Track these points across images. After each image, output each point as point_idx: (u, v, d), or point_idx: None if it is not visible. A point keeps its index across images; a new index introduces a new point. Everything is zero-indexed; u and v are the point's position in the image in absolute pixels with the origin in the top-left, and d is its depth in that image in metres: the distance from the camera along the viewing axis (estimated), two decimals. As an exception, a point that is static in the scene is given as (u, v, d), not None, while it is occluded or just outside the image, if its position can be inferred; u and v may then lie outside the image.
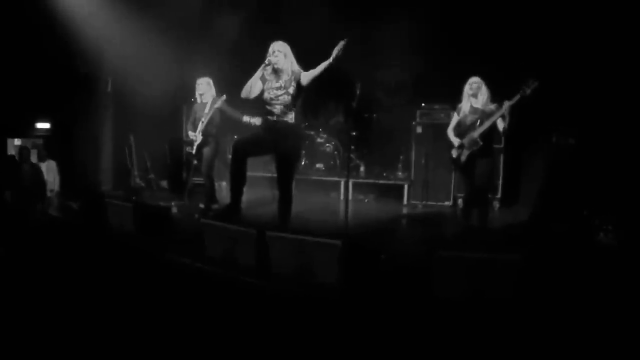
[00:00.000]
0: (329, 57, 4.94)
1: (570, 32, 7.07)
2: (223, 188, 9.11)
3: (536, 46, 7.35)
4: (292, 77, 5.32)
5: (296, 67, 5.37)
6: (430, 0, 8.27)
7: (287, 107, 5.36)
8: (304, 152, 9.25)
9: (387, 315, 3.82)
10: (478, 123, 5.57)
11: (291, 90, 5.32)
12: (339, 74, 5.54)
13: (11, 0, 7.74)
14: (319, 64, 5.13)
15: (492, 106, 5.57)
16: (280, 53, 5.32)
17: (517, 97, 5.32)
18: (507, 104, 5.35)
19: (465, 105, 5.76)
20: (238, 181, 5.64)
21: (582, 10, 6.96)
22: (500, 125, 5.51)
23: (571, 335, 3.45)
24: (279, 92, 5.35)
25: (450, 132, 5.89)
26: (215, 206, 6.97)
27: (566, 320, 3.58)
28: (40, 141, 8.94)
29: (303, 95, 5.43)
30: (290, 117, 5.38)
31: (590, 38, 6.92)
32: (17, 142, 8.79)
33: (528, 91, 5.27)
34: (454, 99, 5.98)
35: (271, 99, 5.39)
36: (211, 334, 4.06)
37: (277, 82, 5.38)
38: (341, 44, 4.88)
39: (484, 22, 7.86)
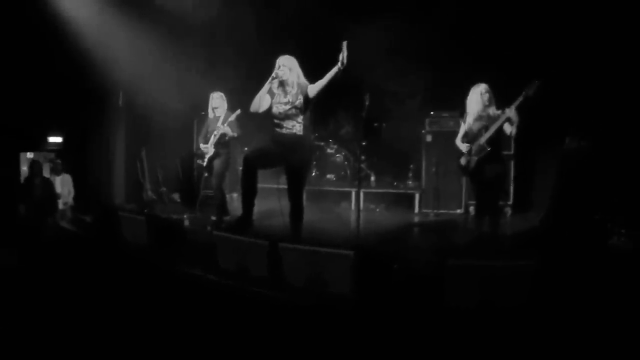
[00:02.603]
0: (335, 64, 4.97)
1: (582, 34, 7.05)
2: (234, 200, 9.14)
3: (546, 49, 7.34)
4: (299, 91, 5.34)
5: (303, 80, 5.39)
6: (437, 8, 8.27)
7: (295, 121, 5.38)
8: (314, 163, 9.26)
9: (400, 326, 3.82)
10: (484, 129, 5.56)
11: (298, 103, 5.33)
12: (347, 84, 5.56)
13: (24, 16, 7.84)
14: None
15: (498, 111, 5.55)
16: (285, 67, 5.34)
17: (519, 99, 5.30)
18: (511, 108, 5.33)
19: (471, 111, 5.73)
20: (249, 193, 5.68)
21: (594, 11, 6.94)
22: (508, 129, 5.45)
23: (585, 342, 3.42)
24: (287, 107, 5.37)
25: (458, 141, 5.88)
26: (226, 218, 7.00)
27: (580, 327, 3.55)
28: (52, 155, 9.01)
29: (311, 108, 5.45)
30: (299, 130, 5.39)
31: (601, 40, 6.90)
32: (30, 155, 8.86)
33: (531, 92, 5.25)
34: (463, 106, 5.96)
35: (279, 112, 5.41)
36: (225, 346, 4.08)
37: (284, 96, 5.40)
38: (344, 45, 4.89)
39: (493, 26, 7.86)
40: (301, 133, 5.41)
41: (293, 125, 5.39)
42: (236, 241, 4.99)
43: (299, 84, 5.36)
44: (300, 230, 5.54)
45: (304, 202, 5.66)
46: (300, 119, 5.38)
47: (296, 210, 5.53)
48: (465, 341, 3.58)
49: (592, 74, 6.99)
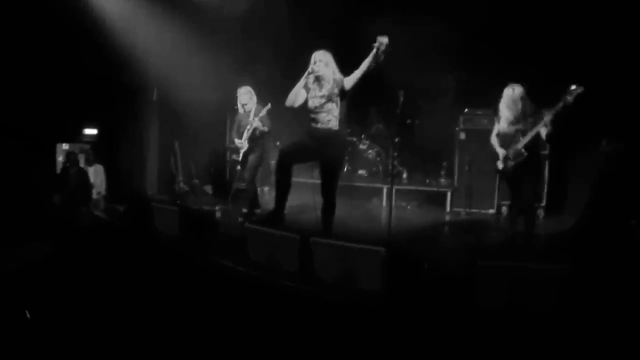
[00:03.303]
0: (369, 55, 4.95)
1: (617, 34, 6.90)
2: (265, 193, 9.20)
3: (583, 49, 7.19)
4: (335, 85, 5.34)
5: (338, 74, 5.39)
6: (471, 4, 8.17)
7: (332, 115, 5.38)
8: (347, 158, 9.25)
9: (430, 324, 3.79)
10: (521, 134, 5.45)
11: (334, 97, 5.35)
12: (380, 81, 5.52)
13: (62, 13, 7.99)
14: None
15: (533, 116, 5.40)
16: (321, 62, 5.36)
17: (559, 106, 5.16)
18: (549, 114, 5.21)
19: (506, 113, 5.61)
20: (283, 188, 5.70)
21: (630, 12, 6.78)
22: (543, 132, 5.35)
23: (615, 348, 3.35)
24: (323, 100, 5.38)
25: (494, 141, 5.77)
26: (258, 211, 7.04)
27: (611, 333, 3.47)
28: (87, 146, 9.18)
29: (347, 102, 5.44)
30: (334, 125, 5.38)
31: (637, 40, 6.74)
32: (65, 147, 9.04)
33: (570, 99, 5.11)
34: (497, 103, 5.85)
35: (315, 107, 5.42)
36: (253, 338, 4.09)
37: (320, 90, 5.41)
38: (383, 40, 4.92)
39: (529, 26, 7.73)
40: (336, 128, 5.39)
41: (329, 120, 5.38)
42: (267, 234, 5.01)
43: (334, 79, 5.35)
44: (332, 226, 5.54)
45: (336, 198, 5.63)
46: (336, 112, 5.37)
47: (328, 205, 5.53)
48: (494, 342, 3.54)
49: (628, 75, 6.82)
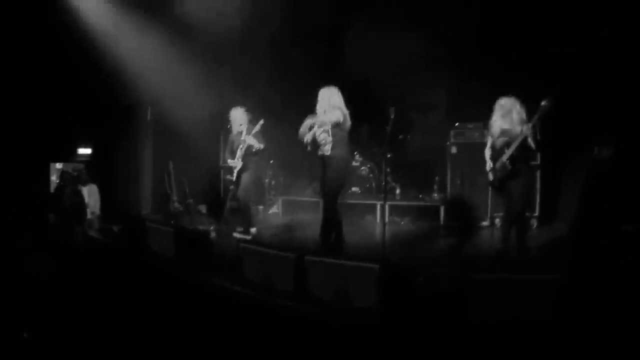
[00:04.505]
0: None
1: (602, 43, 7.00)
2: (260, 212, 9.22)
3: (570, 58, 7.28)
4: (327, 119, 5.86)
5: (331, 109, 5.83)
6: (460, 19, 8.27)
7: (325, 142, 5.87)
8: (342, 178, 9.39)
9: (425, 340, 3.80)
10: (507, 146, 5.53)
11: (328, 128, 5.83)
12: (372, 98, 5.62)
13: (55, 32, 8.05)
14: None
15: (519, 127, 5.49)
16: (320, 101, 5.94)
17: (535, 118, 5.28)
18: (527, 126, 5.31)
19: (495, 126, 5.70)
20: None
21: (616, 21, 6.89)
22: (532, 143, 5.44)
23: (612, 355, 3.37)
24: (320, 131, 5.90)
25: (486, 153, 5.86)
26: (252, 230, 7.05)
27: (609, 342, 3.50)
28: (81, 166, 9.19)
29: (344, 130, 5.89)
30: (327, 150, 5.85)
31: (623, 47, 6.84)
32: (59, 166, 9.05)
33: (544, 111, 5.21)
34: (488, 117, 5.92)
35: (317, 138, 5.96)
36: (251, 357, 4.09)
37: (317, 125, 5.94)
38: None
39: (515, 36, 7.82)
40: (328, 153, 5.84)
41: (324, 147, 5.88)
42: (262, 253, 5.04)
43: (329, 111, 5.84)
44: (329, 240, 5.90)
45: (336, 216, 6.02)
46: (329, 140, 5.84)
47: (325, 222, 5.99)
48: (491, 355, 3.56)
49: (616, 83, 6.91)
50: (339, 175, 5.93)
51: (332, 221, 5.97)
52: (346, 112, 5.91)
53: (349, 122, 5.94)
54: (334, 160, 5.87)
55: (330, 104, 5.87)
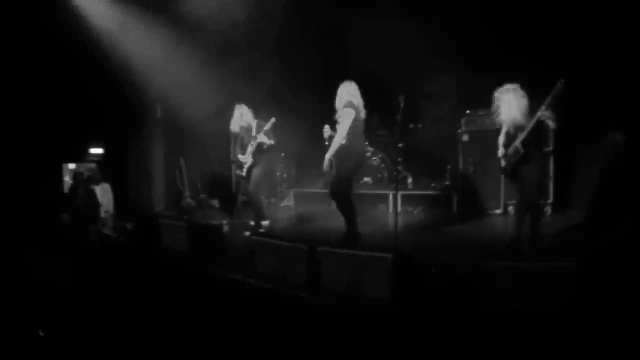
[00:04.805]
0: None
1: (615, 28, 6.91)
2: (272, 205, 9.23)
3: (583, 45, 7.19)
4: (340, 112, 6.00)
5: (345, 100, 5.92)
6: (470, 6, 8.20)
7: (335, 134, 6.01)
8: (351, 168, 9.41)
9: (438, 329, 3.78)
10: (520, 131, 5.47)
11: (339, 119, 5.94)
12: (382, 86, 5.60)
13: (68, 36, 8.11)
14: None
15: (526, 112, 5.43)
16: (337, 98, 6.03)
17: (548, 100, 5.20)
18: (541, 109, 5.24)
19: (505, 114, 5.64)
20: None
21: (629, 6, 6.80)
22: (551, 124, 5.38)
23: (630, 346, 3.33)
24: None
25: (500, 140, 5.80)
26: (265, 223, 7.06)
27: (625, 331, 3.46)
28: (93, 166, 9.27)
29: (356, 120, 5.92)
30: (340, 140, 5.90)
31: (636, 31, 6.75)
32: (72, 166, 9.13)
33: (558, 92, 5.13)
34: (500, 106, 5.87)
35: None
36: (266, 349, 4.11)
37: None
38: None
39: (527, 22, 7.74)
40: (345, 143, 5.88)
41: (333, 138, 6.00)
42: (275, 246, 5.04)
43: (340, 109, 5.95)
44: (347, 223, 6.03)
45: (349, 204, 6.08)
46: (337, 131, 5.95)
47: (340, 208, 6.08)
48: (504, 344, 3.53)
49: (629, 67, 6.82)
50: (344, 164, 5.97)
51: (342, 208, 6.05)
52: (357, 104, 5.94)
53: (362, 113, 5.99)
54: (345, 149, 5.92)
55: (342, 102, 5.97)
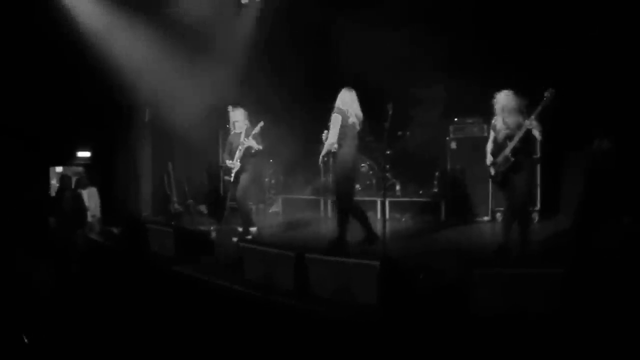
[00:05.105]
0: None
1: (600, 36, 6.98)
2: (260, 211, 9.20)
3: (569, 52, 7.27)
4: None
5: (343, 109, 6.03)
6: (458, 14, 8.25)
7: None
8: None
9: (428, 336, 3.78)
10: (508, 139, 5.50)
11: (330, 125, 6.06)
12: (370, 94, 5.62)
13: (55, 38, 8.06)
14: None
15: (520, 120, 5.47)
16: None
17: (538, 110, 5.25)
18: (530, 119, 5.28)
19: (497, 120, 5.68)
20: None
21: (615, 14, 6.88)
22: (537, 135, 5.43)
23: (618, 351, 3.35)
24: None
25: (488, 147, 5.83)
26: (253, 229, 7.04)
27: (613, 336, 3.47)
28: (80, 169, 9.20)
29: (345, 127, 6.04)
30: (336, 147, 6.04)
31: (620, 40, 6.82)
32: (59, 169, 9.06)
33: (548, 102, 5.19)
34: (487, 112, 5.90)
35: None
36: (253, 356, 4.09)
37: None
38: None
39: (514, 32, 7.80)
40: (339, 150, 6.06)
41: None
42: (263, 252, 5.02)
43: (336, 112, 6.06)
44: (341, 227, 6.12)
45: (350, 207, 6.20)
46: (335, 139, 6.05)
47: (340, 212, 6.24)
48: (494, 351, 3.53)
49: (615, 75, 6.89)
50: (342, 171, 6.08)
51: (340, 214, 6.19)
52: (347, 110, 6.03)
53: (350, 120, 6.06)
54: (340, 156, 6.07)
55: (336, 108, 6.09)
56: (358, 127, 6.17)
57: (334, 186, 6.24)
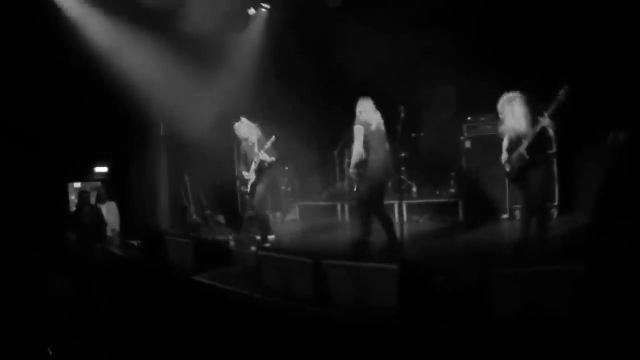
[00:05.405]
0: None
1: (612, 30, 6.91)
2: (277, 219, 9.23)
3: (579, 46, 7.21)
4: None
5: (364, 117, 6.05)
6: (466, 12, 8.23)
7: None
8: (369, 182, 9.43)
9: (447, 339, 3.75)
10: (523, 137, 5.47)
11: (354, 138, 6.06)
12: (381, 98, 5.63)
13: (71, 57, 8.19)
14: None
15: (529, 119, 5.43)
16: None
17: (552, 107, 5.21)
18: (544, 116, 5.24)
19: (508, 121, 5.64)
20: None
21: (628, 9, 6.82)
22: (551, 131, 5.39)
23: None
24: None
25: (504, 145, 5.79)
26: (271, 237, 7.07)
27: (633, 332, 3.42)
28: (98, 184, 9.30)
29: (368, 135, 6.02)
30: (364, 156, 6.04)
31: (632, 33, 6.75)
32: (77, 185, 9.17)
33: (562, 98, 5.15)
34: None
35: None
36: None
37: None
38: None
39: (525, 28, 7.76)
40: (369, 163, 6.04)
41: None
42: (280, 260, 5.03)
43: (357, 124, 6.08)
44: (389, 238, 6.05)
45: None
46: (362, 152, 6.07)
47: (382, 224, 6.10)
48: (515, 354, 3.50)
49: (630, 68, 6.82)
50: (368, 183, 6.07)
51: (381, 220, 6.10)
52: (366, 119, 6.05)
53: (373, 127, 6.06)
54: (368, 170, 6.06)
55: (356, 119, 6.10)
56: (383, 131, 6.16)
57: (366, 192, 6.14)
